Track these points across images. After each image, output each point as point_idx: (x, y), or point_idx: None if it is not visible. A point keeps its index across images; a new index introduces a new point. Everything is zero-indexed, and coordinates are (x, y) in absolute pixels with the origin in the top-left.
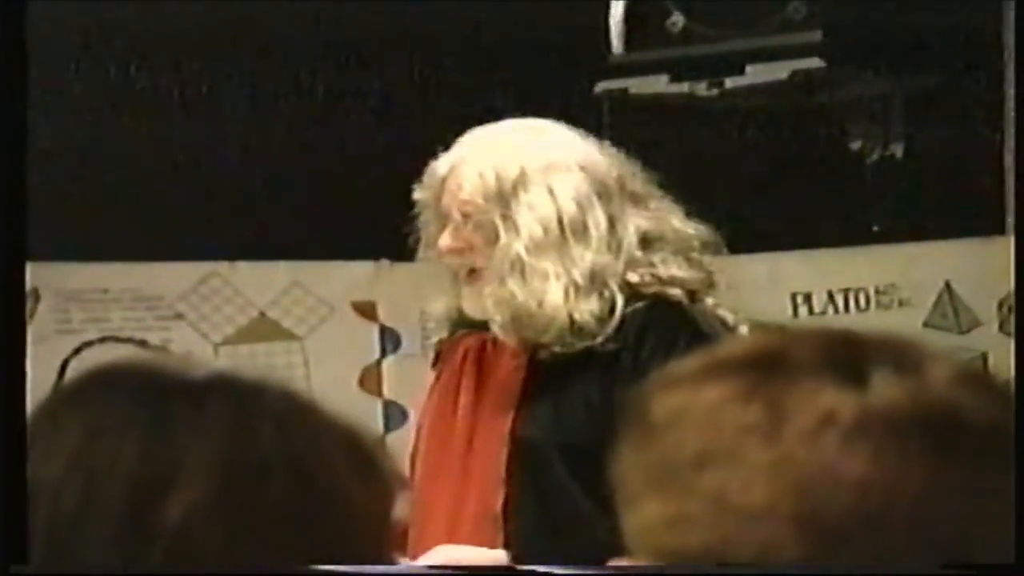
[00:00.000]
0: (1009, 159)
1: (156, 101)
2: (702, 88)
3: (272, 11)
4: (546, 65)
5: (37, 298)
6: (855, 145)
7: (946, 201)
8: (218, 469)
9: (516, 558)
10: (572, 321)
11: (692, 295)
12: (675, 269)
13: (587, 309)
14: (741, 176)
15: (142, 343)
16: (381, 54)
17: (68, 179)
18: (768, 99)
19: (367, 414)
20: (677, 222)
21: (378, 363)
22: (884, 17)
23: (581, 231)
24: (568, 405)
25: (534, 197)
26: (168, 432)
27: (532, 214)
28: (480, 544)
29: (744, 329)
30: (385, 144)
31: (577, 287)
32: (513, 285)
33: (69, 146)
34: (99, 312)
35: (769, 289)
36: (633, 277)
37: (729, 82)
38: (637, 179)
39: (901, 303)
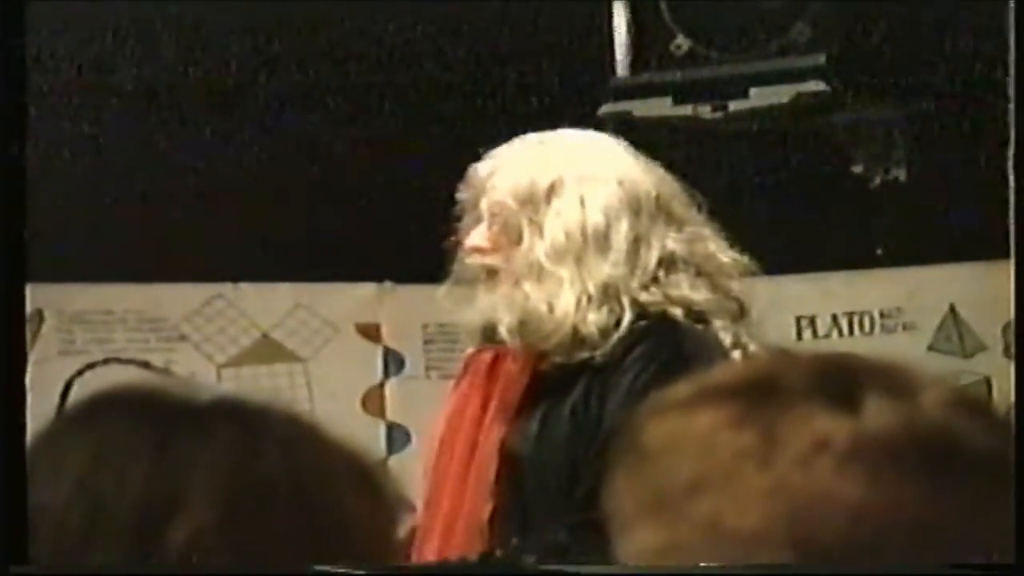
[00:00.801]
0: (1014, 182)
1: (161, 122)
2: (706, 111)
3: (276, 31)
4: (550, 88)
5: (41, 319)
6: (858, 168)
7: (950, 225)
8: (223, 492)
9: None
10: (576, 331)
11: (698, 316)
12: (687, 290)
13: (593, 321)
14: (744, 199)
15: (145, 364)
16: (386, 78)
17: (72, 200)
18: (772, 122)
19: (370, 436)
20: (712, 246)
21: (381, 385)
22: (887, 41)
23: (603, 243)
24: (555, 418)
25: (564, 204)
26: (173, 455)
27: (558, 220)
28: (471, 553)
29: (737, 355)
30: (389, 168)
31: (589, 298)
32: (528, 287)
33: (74, 167)
34: (103, 333)
35: (773, 312)
36: (644, 296)
37: (733, 105)
38: (677, 201)
39: (905, 327)
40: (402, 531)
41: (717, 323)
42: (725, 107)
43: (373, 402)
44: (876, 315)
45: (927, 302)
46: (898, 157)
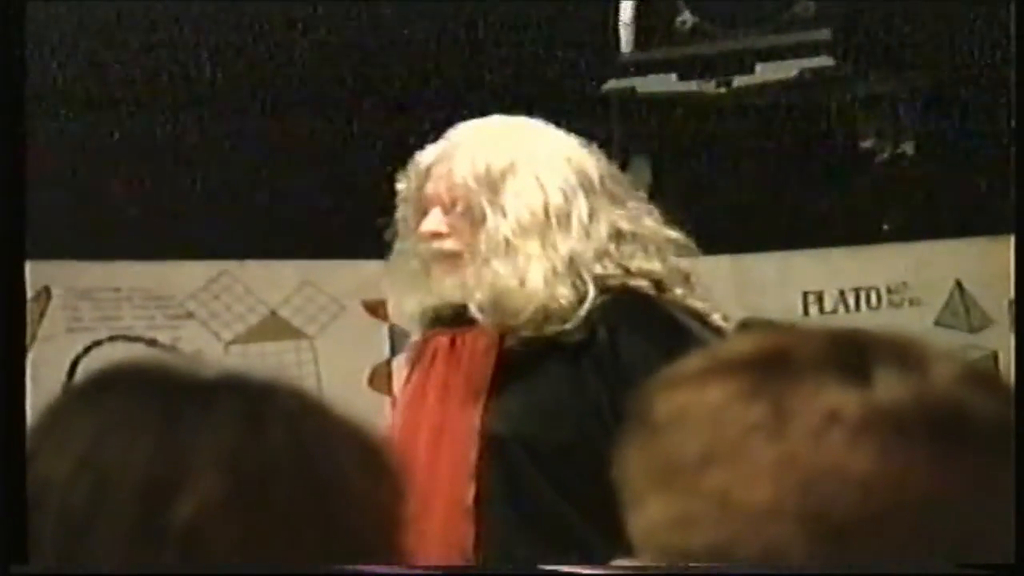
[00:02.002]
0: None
1: (167, 99)
2: (711, 87)
3: (280, 10)
4: (555, 64)
5: (48, 296)
6: (865, 144)
7: (957, 200)
8: (228, 468)
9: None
10: (546, 306)
11: (658, 285)
12: (643, 263)
13: (562, 295)
14: (750, 175)
15: (152, 342)
16: (388, 53)
17: (78, 178)
18: (777, 97)
19: (376, 412)
20: (652, 223)
21: (388, 362)
22: (893, 15)
23: (565, 219)
24: (537, 399)
25: (522, 184)
26: (179, 432)
27: (519, 200)
28: (452, 538)
29: (717, 317)
30: (395, 143)
31: (555, 272)
32: (497, 265)
33: (79, 144)
34: (110, 310)
35: (780, 288)
36: (598, 269)
37: (738, 81)
38: (617, 179)
39: (912, 302)
40: (407, 507)
41: (678, 291)
42: (730, 83)
43: (380, 379)
44: (883, 290)
45: (934, 277)
46: (905, 132)
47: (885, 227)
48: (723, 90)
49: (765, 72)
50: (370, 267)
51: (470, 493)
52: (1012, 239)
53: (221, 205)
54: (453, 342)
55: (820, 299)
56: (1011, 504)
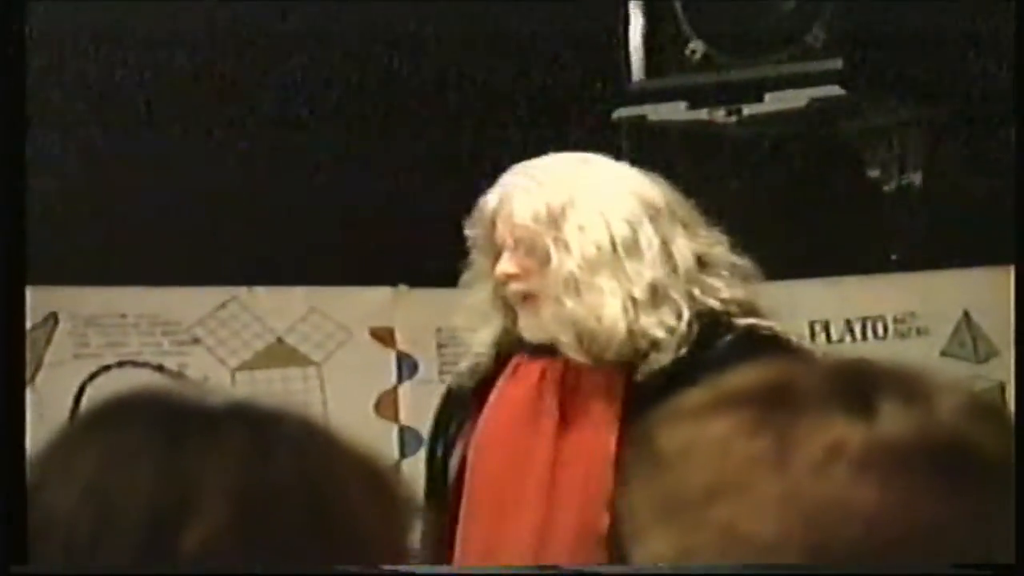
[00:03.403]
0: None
1: (175, 126)
2: (720, 115)
3: (290, 33)
4: (565, 92)
5: (56, 322)
6: (874, 173)
7: (964, 230)
8: (235, 497)
9: None
10: (633, 335)
11: (749, 314)
12: (737, 291)
13: (653, 322)
14: (759, 204)
15: (159, 368)
16: (399, 82)
17: (87, 204)
18: (786, 127)
19: (383, 439)
20: (725, 251)
21: (395, 389)
22: (903, 46)
23: (633, 249)
24: None
25: (584, 218)
26: (185, 460)
27: (583, 235)
28: (583, 563)
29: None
30: (403, 171)
31: (636, 301)
32: (570, 303)
33: (88, 171)
34: (117, 336)
35: (787, 317)
36: (699, 295)
37: (747, 109)
38: (685, 208)
39: (919, 332)
40: (414, 535)
41: (764, 322)
42: (740, 111)
43: (387, 406)
44: (890, 320)
45: (941, 307)
46: (913, 162)
47: (893, 257)
48: (733, 119)
49: (774, 101)
50: (377, 294)
51: (605, 522)
52: (1012, 269)
53: (229, 231)
54: (563, 367)
55: (827, 328)
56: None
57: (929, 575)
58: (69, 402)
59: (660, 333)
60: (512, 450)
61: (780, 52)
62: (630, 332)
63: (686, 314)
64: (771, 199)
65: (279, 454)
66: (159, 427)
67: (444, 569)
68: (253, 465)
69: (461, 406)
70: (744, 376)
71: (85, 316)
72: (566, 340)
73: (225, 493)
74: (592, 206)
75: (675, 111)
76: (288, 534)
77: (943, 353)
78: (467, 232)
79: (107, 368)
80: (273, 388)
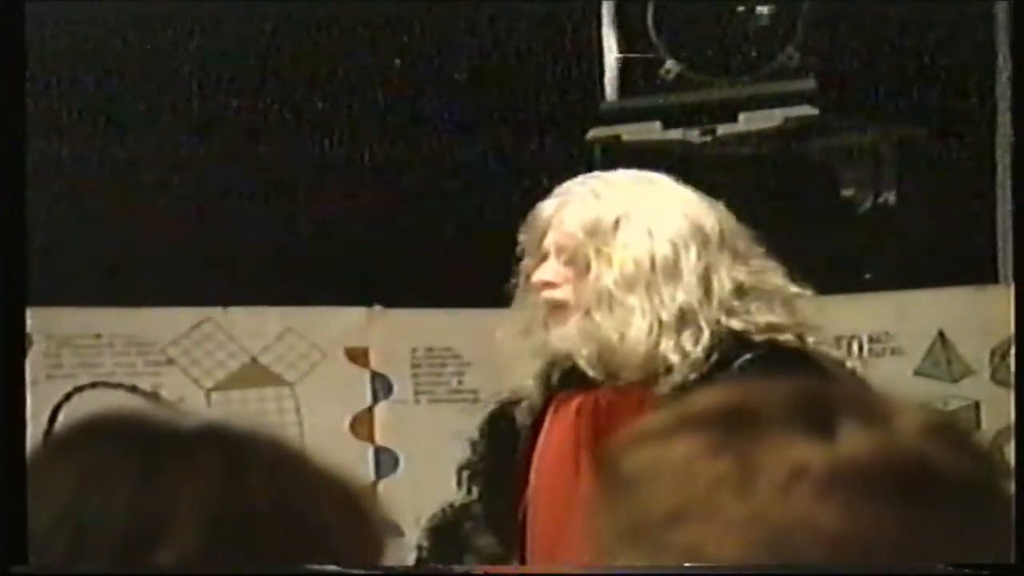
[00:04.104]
0: (1002, 207)
1: (150, 147)
2: (695, 135)
3: (261, 55)
4: (539, 111)
5: (29, 342)
6: (847, 192)
7: (939, 249)
8: (208, 519)
9: None
10: (652, 358)
11: (798, 338)
12: (772, 317)
13: (670, 346)
14: None
15: (133, 388)
16: (373, 102)
17: (61, 224)
18: (761, 146)
19: (359, 460)
20: (779, 280)
21: (370, 409)
22: (877, 65)
23: (672, 272)
24: None
25: (631, 235)
26: (158, 483)
27: (627, 251)
28: None
29: (853, 368)
30: (378, 192)
31: (662, 324)
32: (599, 317)
33: (62, 191)
34: (91, 357)
35: None
36: (736, 324)
37: (722, 129)
38: (740, 236)
39: (894, 351)
40: (388, 557)
41: (810, 341)
42: (714, 131)
43: (362, 426)
44: (865, 339)
45: (916, 326)
46: (887, 182)
47: (867, 276)
48: (707, 138)
49: (749, 121)
50: (352, 314)
51: None
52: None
53: (203, 252)
54: (596, 403)
55: None
56: (978, 552)
57: (929, 575)
58: (43, 423)
59: (675, 358)
60: (559, 497)
61: (754, 72)
62: (647, 354)
63: (705, 340)
64: (745, 219)
65: (252, 476)
66: (132, 449)
67: (436, 570)
68: (226, 487)
69: (520, 443)
70: (705, 398)
71: (59, 336)
72: (586, 354)
73: (198, 515)
74: (641, 223)
75: (649, 131)
76: (261, 556)
77: (917, 372)
78: (520, 237)
79: (81, 389)
80: (248, 409)
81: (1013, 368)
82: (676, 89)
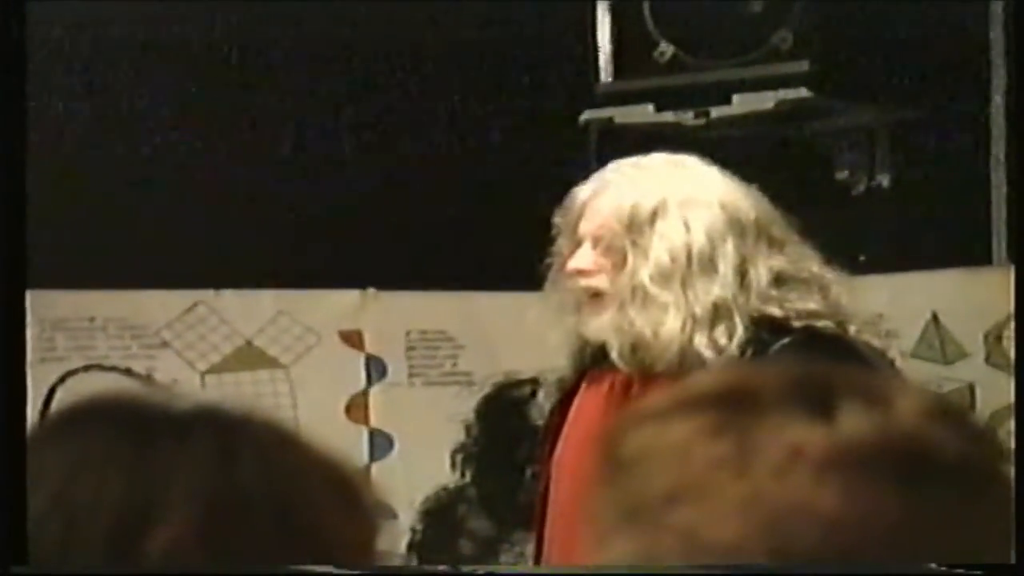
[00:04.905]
0: (996, 189)
1: (143, 131)
2: (688, 118)
3: (259, 40)
4: (533, 93)
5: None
6: (842, 175)
7: (933, 232)
8: (201, 502)
9: None
10: (685, 353)
11: (838, 324)
12: (812, 304)
13: (704, 341)
14: None
15: (127, 371)
16: (366, 81)
17: (53, 207)
18: (754, 129)
19: (353, 443)
20: (816, 267)
21: (364, 392)
22: (871, 48)
23: (708, 265)
24: None
25: (668, 227)
26: (151, 465)
27: (663, 243)
28: None
29: (893, 356)
30: (372, 174)
31: (695, 319)
32: (633, 312)
33: (54, 174)
34: (85, 340)
35: None
36: (774, 311)
37: (715, 112)
38: (777, 223)
39: (888, 334)
40: (382, 540)
41: (852, 328)
42: (708, 114)
43: (356, 409)
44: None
45: (909, 309)
46: (881, 164)
47: (861, 258)
48: (701, 121)
49: (742, 103)
50: (346, 297)
51: None
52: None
53: (196, 234)
54: (628, 384)
55: None
56: (978, 536)
57: (929, 574)
58: (38, 406)
59: (709, 353)
60: (583, 470)
61: (748, 54)
62: (681, 349)
63: (739, 334)
64: None
65: (245, 459)
66: (125, 433)
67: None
68: (219, 470)
69: (549, 420)
70: (705, 379)
71: (52, 320)
72: (617, 346)
73: (192, 498)
74: (677, 215)
75: (643, 114)
76: (255, 539)
77: (911, 355)
78: (555, 220)
79: (75, 372)
80: (242, 391)
81: (1013, 361)
82: (670, 72)
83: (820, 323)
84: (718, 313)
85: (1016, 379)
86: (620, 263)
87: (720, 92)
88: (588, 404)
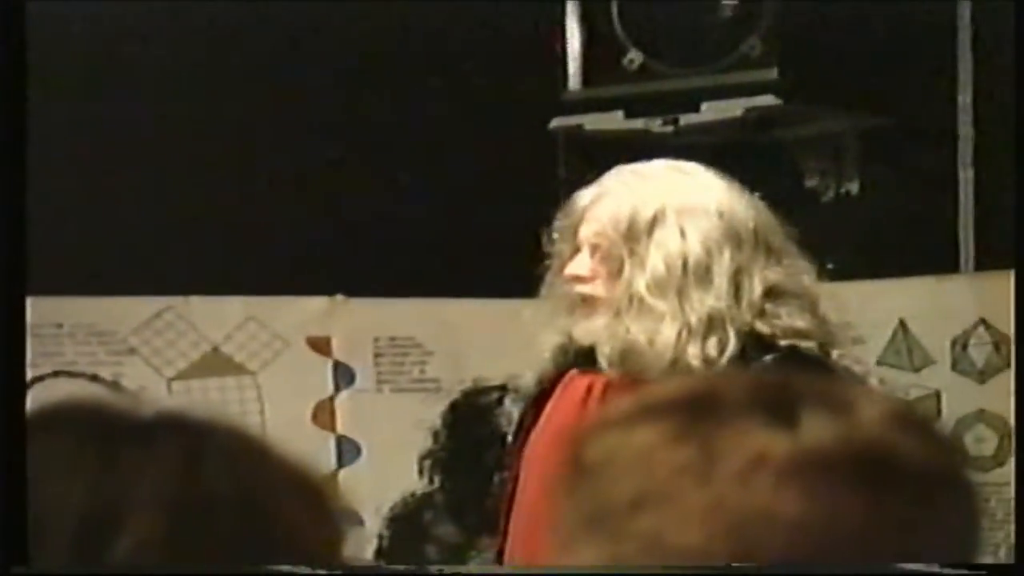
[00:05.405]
0: (964, 197)
1: (111, 137)
2: (657, 125)
3: (231, 47)
4: (502, 100)
5: None
6: (810, 182)
7: (901, 239)
8: (166, 508)
9: None
10: (677, 362)
11: (820, 347)
12: (800, 322)
13: (696, 353)
14: None
15: (94, 378)
16: (336, 92)
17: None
18: (723, 136)
19: (320, 449)
20: (808, 280)
21: (331, 398)
22: (839, 55)
23: (704, 275)
24: None
25: (665, 236)
26: (116, 471)
27: (659, 253)
28: None
29: (873, 381)
30: (340, 182)
31: (690, 330)
32: (628, 321)
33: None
34: (52, 346)
35: None
36: (763, 328)
37: (684, 119)
38: (776, 233)
39: (855, 340)
40: (348, 545)
41: (835, 353)
42: (676, 121)
43: (323, 415)
44: None
45: (877, 316)
46: (850, 171)
47: (829, 266)
48: (669, 128)
49: (711, 111)
50: (314, 303)
51: None
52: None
53: (165, 241)
54: (607, 385)
55: None
56: (939, 541)
57: (929, 574)
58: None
59: (698, 364)
60: (552, 467)
61: (717, 62)
62: (674, 359)
63: (731, 348)
64: None
65: (210, 464)
66: (90, 438)
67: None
68: (184, 475)
69: (524, 415)
70: (669, 386)
71: None
72: (609, 352)
73: (156, 504)
74: (674, 224)
75: (612, 121)
76: (220, 545)
77: (879, 362)
78: (555, 223)
79: (42, 378)
80: (210, 398)
81: (1013, 368)
82: (639, 79)
83: (805, 344)
84: (712, 324)
85: (1016, 381)
86: (617, 271)
87: (689, 99)
88: (564, 404)
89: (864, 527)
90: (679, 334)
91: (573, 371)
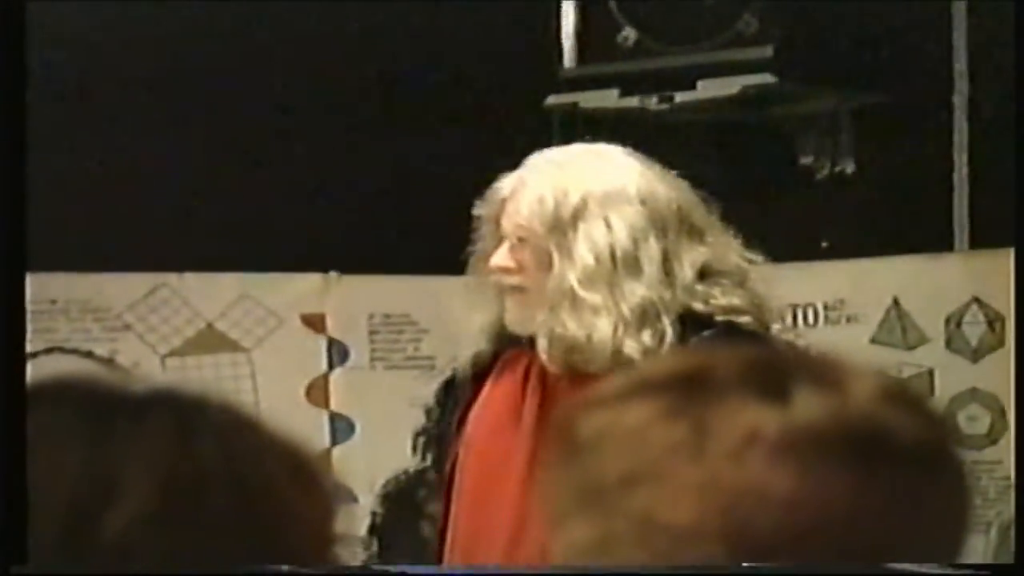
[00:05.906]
0: (958, 176)
1: (106, 115)
2: (652, 102)
3: (223, 25)
4: (497, 78)
5: None
6: (805, 160)
7: (895, 217)
8: (158, 484)
9: None
10: (617, 355)
11: (757, 323)
12: (736, 299)
13: (634, 345)
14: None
15: (89, 354)
16: (331, 65)
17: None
18: (718, 114)
19: (314, 427)
20: (735, 256)
21: (325, 376)
22: (835, 33)
23: (633, 265)
24: None
25: (591, 228)
26: (108, 447)
27: (587, 245)
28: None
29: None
30: (335, 157)
31: (626, 322)
32: (565, 316)
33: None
34: (46, 323)
35: None
36: (698, 306)
37: (680, 97)
38: (697, 211)
39: (849, 319)
40: (340, 523)
41: (774, 326)
42: (672, 99)
43: (317, 392)
44: (820, 307)
45: (871, 294)
46: (845, 150)
47: (824, 244)
48: (665, 106)
49: (707, 88)
50: (308, 280)
51: None
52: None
53: (158, 217)
54: (543, 369)
55: None
56: (932, 516)
57: (929, 574)
58: None
59: (637, 356)
60: (494, 447)
61: (712, 39)
62: (612, 351)
63: (668, 337)
64: (703, 186)
65: (202, 440)
66: (82, 414)
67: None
68: (176, 451)
69: (461, 395)
70: (661, 363)
71: None
72: (549, 350)
73: (149, 480)
74: (599, 215)
75: (607, 98)
76: (213, 522)
77: (872, 340)
78: (475, 212)
79: (36, 355)
80: (204, 374)
81: (1012, 367)
82: (634, 56)
83: (742, 319)
84: (646, 314)
85: (1015, 367)
86: (545, 264)
87: (685, 77)
88: (503, 386)
89: (856, 504)
90: (615, 328)
91: (510, 352)
